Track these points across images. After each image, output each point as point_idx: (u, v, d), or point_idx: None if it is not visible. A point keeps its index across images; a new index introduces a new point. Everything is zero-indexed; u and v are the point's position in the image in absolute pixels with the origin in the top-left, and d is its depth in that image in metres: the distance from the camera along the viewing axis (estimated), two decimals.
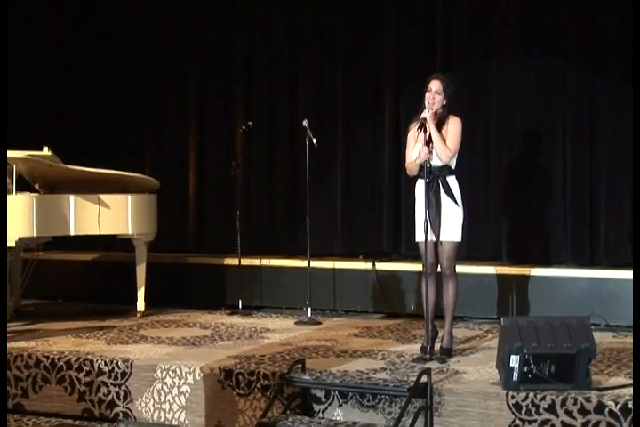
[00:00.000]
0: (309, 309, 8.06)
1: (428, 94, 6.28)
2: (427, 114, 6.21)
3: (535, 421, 5.17)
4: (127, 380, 6.18)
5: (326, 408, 5.67)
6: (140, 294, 8.31)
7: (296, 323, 7.91)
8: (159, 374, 6.10)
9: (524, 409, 5.20)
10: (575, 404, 5.10)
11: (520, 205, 8.36)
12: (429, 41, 8.77)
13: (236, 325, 7.84)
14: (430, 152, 6.18)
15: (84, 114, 10.19)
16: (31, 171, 7.98)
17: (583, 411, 5.08)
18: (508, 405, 5.23)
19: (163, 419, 6.07)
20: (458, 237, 6.33)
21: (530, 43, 8.32)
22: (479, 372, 5.84)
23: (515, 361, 5.27)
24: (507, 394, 5.26)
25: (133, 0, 10.06)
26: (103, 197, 7.89)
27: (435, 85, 6.28)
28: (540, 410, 5.17)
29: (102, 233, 7.91)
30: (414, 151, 6.32)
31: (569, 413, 5.11)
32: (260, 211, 9.47)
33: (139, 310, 8.33)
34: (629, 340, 6.91)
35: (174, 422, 6.04)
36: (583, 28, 8.09)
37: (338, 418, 5.62)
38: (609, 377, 5.65)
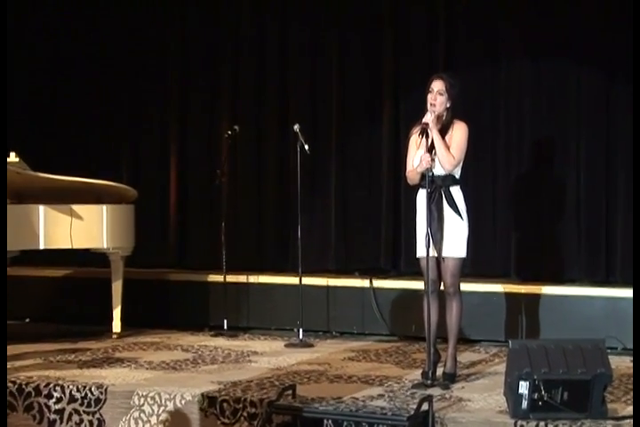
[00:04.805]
0: (301, 330, 8.07)
1: (429, 96, 6.30)
2: (429, 118, 6.22)
3: None
4: (101, 407, 6.16)
5: None
6: (116, 313, 8.32)
7: (286, 345, 7.91)
8: (136, 402, 6.09)
9: None
10: None
11: (530, 218, 8.39)
12: (431, 41, 8.80)
13: (220, 347, 7.84)
14: (432, 160, 6.19)
15: (56, 118, 10.19)
16: None
17: None
18: None
19: None
20: (462, 253, 6.34)
21: (541, 44, 8.34)
22: (485, 399, 5.85)
23: (524, 388, 5.28)
24: (515, 423, 5.27)
25: (111, 4, 10.06)
26: (76, 207, 7.89)
27: (437, 85, 6.31)
28: None
29: (75, 247, 7.91)
30: (415, 158, 6.34)
31: None
32: (247, 223, 9.47)
33: (114, 331, 8.33)
34: None
35: None
36: (599, 28, 8.11)
37: None
38: (626, 405, 5.67)
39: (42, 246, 7.77)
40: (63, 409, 6.24)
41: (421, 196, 6.34)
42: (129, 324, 8.43)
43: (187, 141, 9.82)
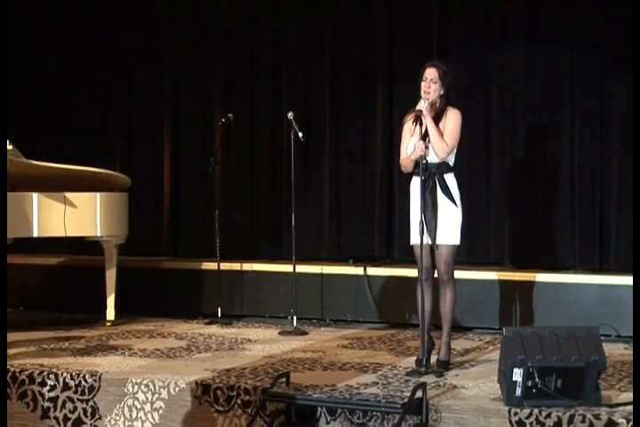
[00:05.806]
0: (294, 318, 8.06)
1: (423, 84, 6.29)
2: (422, 105, 6.21)
3: None
4: (95, 395, 6.16)
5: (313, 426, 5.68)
6: (110, 301, 8.32)
7: (280, 333, 7.91)
8: (130, 389, 6.08)
9: None
10: (583, 421, 5.10)
11: (524, 205, 8.37)
12: (425, 26, 8.77)
13: (214, 335, 7.84)
14: (426, 147, 6.18)
15: (49, 105, 10.17)
16: None
17: None
18: (511, 422, 5.23)
19: None
20: (456, 241, 6.33)
21: (535, 29, 8.32)
22: (479, 386, 5.85)
23: (518, 375, 5.27)
24: (509, 411, 5.26)
25: None
26: (69, 195, 7.88)
27: (430, 73, 6.29)
28: None
29: (68, 235, 7.90)
30: (409, 146, 6.32)
31: None
32: (240, 211, 9.46)
33: (108, 318, 8.33)
34: None
35: None
36: (594, 14, 8.09)
37: None
38: (620, 393, 5.67)
39: (35, 234, 7.77)
40: (57, 397, 6.24)
41: (415, 183, 6.32)
42: (123, 312, 8.44)
43: (180, 130, 9.80)
